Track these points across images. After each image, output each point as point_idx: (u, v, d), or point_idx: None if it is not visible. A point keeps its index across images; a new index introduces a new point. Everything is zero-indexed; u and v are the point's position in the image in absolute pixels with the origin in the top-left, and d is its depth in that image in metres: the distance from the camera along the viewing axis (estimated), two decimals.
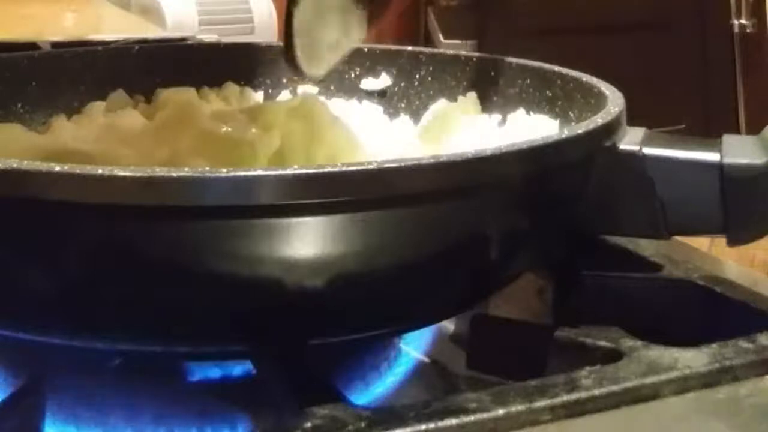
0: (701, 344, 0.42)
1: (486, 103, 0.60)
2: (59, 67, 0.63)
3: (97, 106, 0.61)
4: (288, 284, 0.39)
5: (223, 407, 0.44)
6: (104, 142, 0.52)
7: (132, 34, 0.89)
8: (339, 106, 0.62)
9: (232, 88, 0.64)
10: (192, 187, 0.36)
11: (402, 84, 0.64)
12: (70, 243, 0.38)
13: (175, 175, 0.36)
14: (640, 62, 1.93)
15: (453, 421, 0.36)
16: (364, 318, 0.43)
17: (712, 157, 0.46)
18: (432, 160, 0.39)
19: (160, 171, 0.36)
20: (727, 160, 0.45)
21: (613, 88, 0.51)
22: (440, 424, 0.36)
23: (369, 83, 0.65)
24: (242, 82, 0.65)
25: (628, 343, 0.42)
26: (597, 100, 0.51)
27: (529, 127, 0.56)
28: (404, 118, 0.63)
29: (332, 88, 0.65)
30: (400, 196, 0.39)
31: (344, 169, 0.37)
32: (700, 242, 0.57)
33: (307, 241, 0.38)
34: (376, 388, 0.47)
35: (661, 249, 0.52)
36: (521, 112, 0.57)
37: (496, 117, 0.59)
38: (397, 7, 0.56)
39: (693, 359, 0.40)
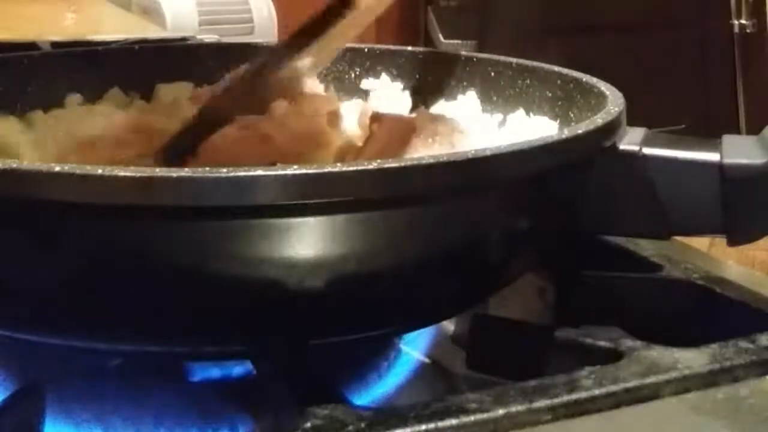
0: (701, 344, 0.42)
1: (486, 103, 0.60)
2: (59, 67, 0.63)
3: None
4: (288, 284, 0.39)
5: (223, 407, 0.44)
6: None
7: (132, 34, 0.89)
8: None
9: None
10: (192, 187, 0.36)
11: (402, 84, 0.64)
12: (70, 243, 0.38)
13: (175, 175, 0.36)
14: (640, 62, 1.93)
15: (453, 421, 0.36)
16: (364, 318, 0.43)
17: (712, 157, 0.46)
18: (432, 160, 0.39)
19: (160, 171, 0.36)
20: (727, 160, 0.45)
21: (613, 88, 0.51)
22: (440, 424, 0.36)
23: (369, 83, 0.65)
24: None
25: (628, 343, 0.42)
26: (597, 100, 0.51)
27: (529, 128, 0.56)
28: None
29: (332, 88, 0.65)
30: (400, 196, 0.39)
31: (344, 169, 0.37)
32: (700, 242, 0.57)
33: (307, 241, 0.38)
34: (376, 389, 0.47)
35: (661, 249, 0.52)
36: (521, 112, 0.57)
37: (497, 117, 0.59)
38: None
39: (693, 359, 0.40)
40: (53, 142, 0.54)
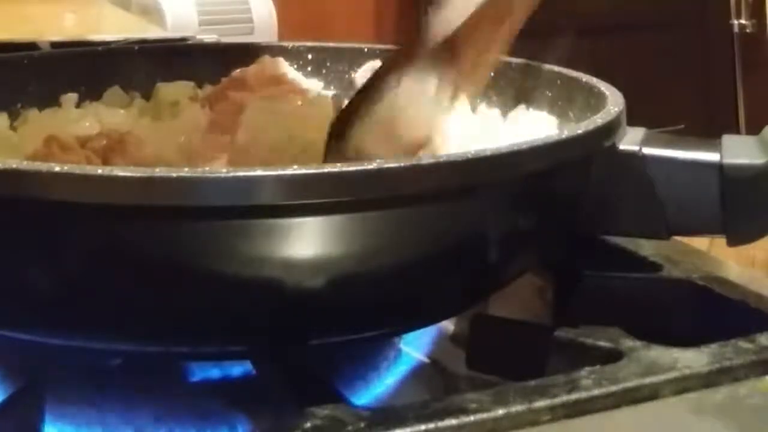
0: (701, 344, 0.42)
1: (486, 103, 0.60)
2: (59, 67, 0.63)
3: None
4: (288, 284, 0.39)
5: (223, 407, 0.44)
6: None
7: (132, 34, 0.89)
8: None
9: None
10: (192, 187, 0.36)
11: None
12: (70, 243, 0.38)
13: (174, 175, 0.36)
14: (640, 62, 1.93)
15: (453, 421, 0.36)
16: (364, 318, 0.43)
17: (712, 157, 0.46)
18: (432, 160, 0.39)
19: (159, 171, 0.36)
20: (727, 160, 0.45)
21: (613, 88, 0.51)
22: (440, 424, 0.36)
23: None
24: None
25: (628, 343, 0.42)
26: (597, 100, 0.51)
27: (529, 127, 0.55)
28: None
29: (332, 88, 0.65)
30: (400, 196, 0.39)
31: (344, 169, 0.37)
32: (700, 242, 0.57)
33: (307, 241, 0.38)
34: (376, 388, 0.47)
35: (661, 249, 0.52)
36: (521, 112, 0.57)
37: (497, 116, 0.59)
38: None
39: (693, 359, 0.40)
40: (35, 141, 0.54)
